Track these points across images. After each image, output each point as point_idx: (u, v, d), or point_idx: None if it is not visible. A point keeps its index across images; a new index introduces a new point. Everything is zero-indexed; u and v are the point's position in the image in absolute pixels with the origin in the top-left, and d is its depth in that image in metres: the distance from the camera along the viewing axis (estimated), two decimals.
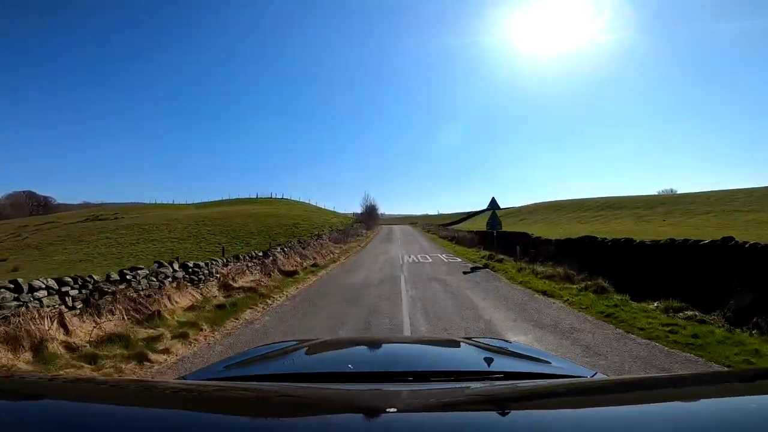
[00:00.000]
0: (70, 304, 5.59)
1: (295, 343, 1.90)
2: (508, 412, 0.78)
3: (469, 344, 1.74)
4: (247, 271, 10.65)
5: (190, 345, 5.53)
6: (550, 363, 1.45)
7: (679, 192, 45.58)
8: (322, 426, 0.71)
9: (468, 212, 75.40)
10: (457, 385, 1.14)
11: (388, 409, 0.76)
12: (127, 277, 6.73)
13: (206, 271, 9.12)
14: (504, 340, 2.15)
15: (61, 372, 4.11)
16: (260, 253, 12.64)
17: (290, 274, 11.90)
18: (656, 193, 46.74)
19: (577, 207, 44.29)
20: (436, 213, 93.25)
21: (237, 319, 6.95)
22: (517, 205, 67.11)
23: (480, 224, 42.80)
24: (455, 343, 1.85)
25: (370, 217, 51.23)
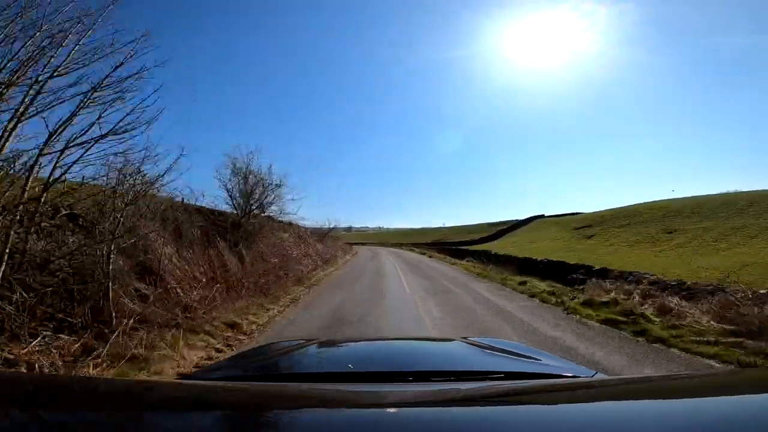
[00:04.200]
0: None
1: (295, 343, 1.89)
2: (508, 412, 0.78)
3: (470, 344, 1.73)
4: None
5: None
6: (550, 363, 1.44)
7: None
8: (322, 426, 0.71)
9: (491, 223, 48.72)
10: (458, 385, 1.13)
11: (388, 409, 0.78)
12: None
13: None
14: (504, 340, 2.13)
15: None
16: None
17: None
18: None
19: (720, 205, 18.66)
20: (441, 225, 76.15)
21: None
22: (584, 210, 35.52)
23: (520, 243, 22.87)
24: (455, 343, 1.85)
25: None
